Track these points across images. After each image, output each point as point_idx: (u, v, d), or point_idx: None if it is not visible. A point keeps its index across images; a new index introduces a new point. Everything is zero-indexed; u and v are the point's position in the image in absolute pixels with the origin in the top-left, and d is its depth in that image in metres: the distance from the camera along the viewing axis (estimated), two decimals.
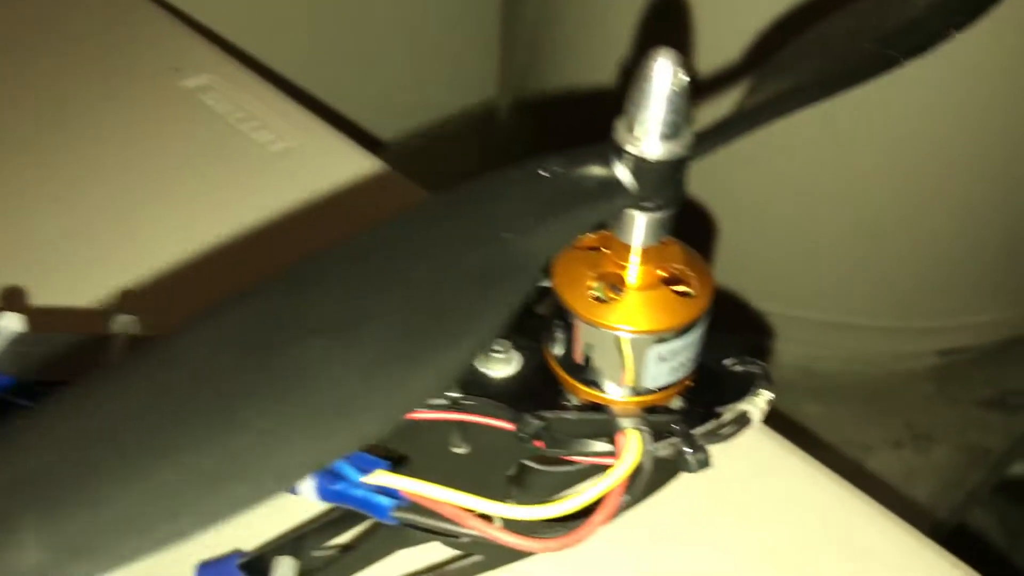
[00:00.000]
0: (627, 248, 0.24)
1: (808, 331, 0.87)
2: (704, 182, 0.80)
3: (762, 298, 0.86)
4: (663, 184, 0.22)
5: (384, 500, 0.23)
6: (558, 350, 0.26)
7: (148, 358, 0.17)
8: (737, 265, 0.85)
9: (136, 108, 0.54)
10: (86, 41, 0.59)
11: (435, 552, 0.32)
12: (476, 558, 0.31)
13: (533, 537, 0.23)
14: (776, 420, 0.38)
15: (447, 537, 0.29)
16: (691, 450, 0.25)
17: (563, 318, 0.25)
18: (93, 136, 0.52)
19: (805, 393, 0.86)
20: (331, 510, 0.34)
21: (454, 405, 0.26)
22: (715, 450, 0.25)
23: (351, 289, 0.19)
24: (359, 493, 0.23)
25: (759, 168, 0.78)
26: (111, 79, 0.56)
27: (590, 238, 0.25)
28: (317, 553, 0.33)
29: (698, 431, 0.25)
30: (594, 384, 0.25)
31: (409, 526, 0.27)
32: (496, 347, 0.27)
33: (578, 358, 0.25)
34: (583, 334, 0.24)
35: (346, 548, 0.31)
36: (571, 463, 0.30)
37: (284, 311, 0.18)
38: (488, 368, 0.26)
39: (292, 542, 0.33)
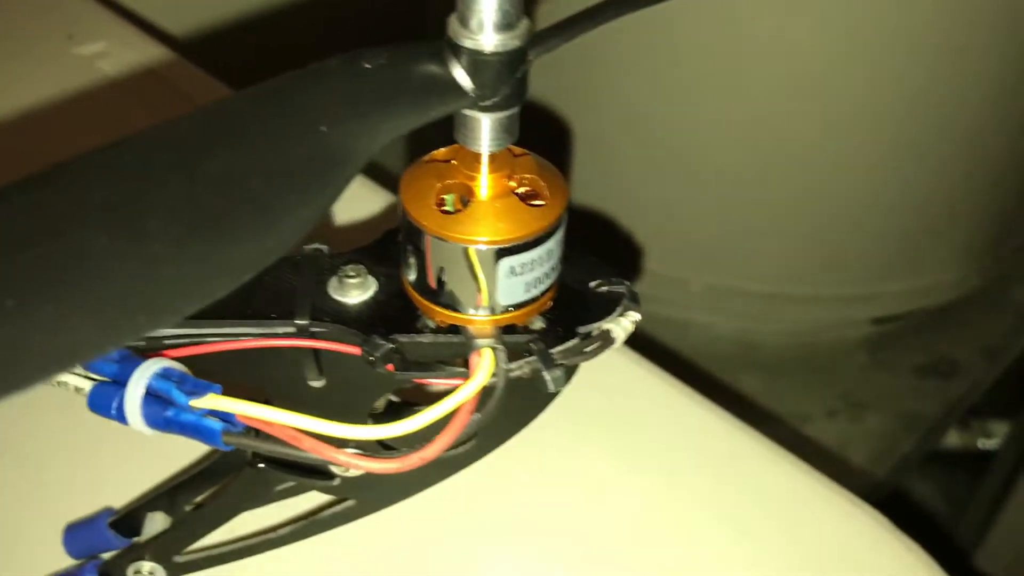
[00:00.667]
0: (475, 157, 0.23)
1: (743, 303, 0.86)
2: (638, 148, 0.81)
3: (697, 269, 0.85)
4: (501, 80, 0.21)
5: (216, 424, 0.22)
6: (411, 274, 0.24)
7: None
8: (670, 234, 0.84)
9: (30, 78, 0.52)
10: None
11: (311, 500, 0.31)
12: (348, 503, 0.30)
13: (373, 457, 0.22)
14: (714, 392, 0.38)
15: (309, 479, 0.28)
16: (549, 368, 0.24)
17: (414, 238, 0.24)
18: None
19: (742, 365, 0.86)
20: (201, 461, 0.32)
21: (300, 332, 0.24)
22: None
23: (140, 180, 0.17)
24: (189, 418, 0.22)
25: (691, 136, 0.77)
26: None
27: (441, 152, 0.24)
28: (190, 507, 0.31)
29: (557, 350, 0.24)
30: (450, 306, 0.24)
31: (255, 459, 0.26)
32: (350, 272, 0.25)
33: (431, 279, 0.24)
34: (433, 251, 0.23)
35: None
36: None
37: (67, 199, 0.17)
38: (342, 295, 0.25)
39: (164, 496, 0.31)
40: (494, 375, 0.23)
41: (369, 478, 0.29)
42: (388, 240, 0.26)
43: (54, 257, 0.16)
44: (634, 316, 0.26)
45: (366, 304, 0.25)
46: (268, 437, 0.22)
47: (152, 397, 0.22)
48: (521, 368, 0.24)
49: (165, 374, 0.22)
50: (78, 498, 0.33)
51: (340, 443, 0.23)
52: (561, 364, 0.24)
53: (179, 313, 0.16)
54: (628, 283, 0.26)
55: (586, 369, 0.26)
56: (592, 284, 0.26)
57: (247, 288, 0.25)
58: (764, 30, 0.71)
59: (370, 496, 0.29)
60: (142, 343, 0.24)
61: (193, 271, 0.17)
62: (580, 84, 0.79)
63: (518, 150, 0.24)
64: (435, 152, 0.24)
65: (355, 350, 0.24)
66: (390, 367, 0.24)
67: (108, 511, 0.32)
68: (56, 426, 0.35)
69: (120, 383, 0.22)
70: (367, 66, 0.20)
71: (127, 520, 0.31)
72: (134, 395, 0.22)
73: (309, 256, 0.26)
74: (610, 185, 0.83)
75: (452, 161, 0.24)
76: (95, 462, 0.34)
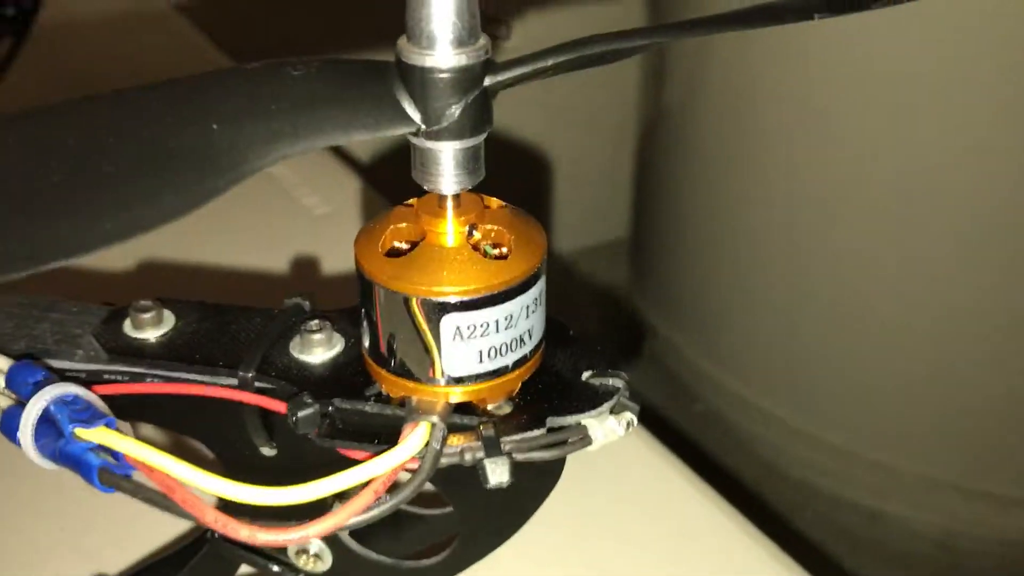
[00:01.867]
0: (433, 199, 0.20)
1: (948, 499, 0.76)
2: (847, 334, 0.76)
3: (899, 457, 0.77)
4: (447, 101, 0.18)
5: (95, 460, 0.19)
6: (365, 339, 0.21)
7: None
8: (875, 414, 0.78)
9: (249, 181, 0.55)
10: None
11: None
12: None
13: (243, 522, 0.19)
14: None
15: (267, 564, 0.25)
16: (491, 457, 0.20)
17: (362, 289, 0.21)
18: None
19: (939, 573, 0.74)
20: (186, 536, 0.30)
21: (241, 384, 0.22)
22: None
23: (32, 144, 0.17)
24: (73, 450, 0.20)
25: (913, 320, 0.73)
26: None
27: (413, 199, 0.22)
28: None
29: (510, 439, 0.20)
30: (399, 373, 0.21)
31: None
32: (313, 328, 0.23)
33: (381, 338, 0.21)
34: (378, 303, 0.20)
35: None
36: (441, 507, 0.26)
37: None
38: (303, 352, 0.23)
39: (145, 571, 0.29)
40: (421, 454, 0.20)
41: None
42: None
43: None
44: (628, 417, 0.21)
45: (326, 365, 0.22)
46: (146, 488, 0.19)
47: (49, 425, 0.20)
48: (459, 453, 0.20)
49: (64, 400, 0.20)
50: (76, 564, 0.31)
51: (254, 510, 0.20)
52: (508, 456, 0.20)
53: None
54: (626, 377, 0.22)
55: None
56: (586, 374, 0.22)
57: (207, 332, 0.23)
58: None
59: None
60: (82, 375, 0.23)
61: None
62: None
63: (495, 201, 0.21)
64: (409, 200, 0.22)
65: (280, 407, 0.21)
66: (316, 432, 0.21)
67: None
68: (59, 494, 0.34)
69: (23, 404, 0.20)
70: (294, 73, 0.18)
71: None
72: (28, 419, 0.20)
73: (286, 310, 0.24)
74: (818, 366, 0.80)
75: (412, 206, 0.21)
76: (95, 530, 0.33)
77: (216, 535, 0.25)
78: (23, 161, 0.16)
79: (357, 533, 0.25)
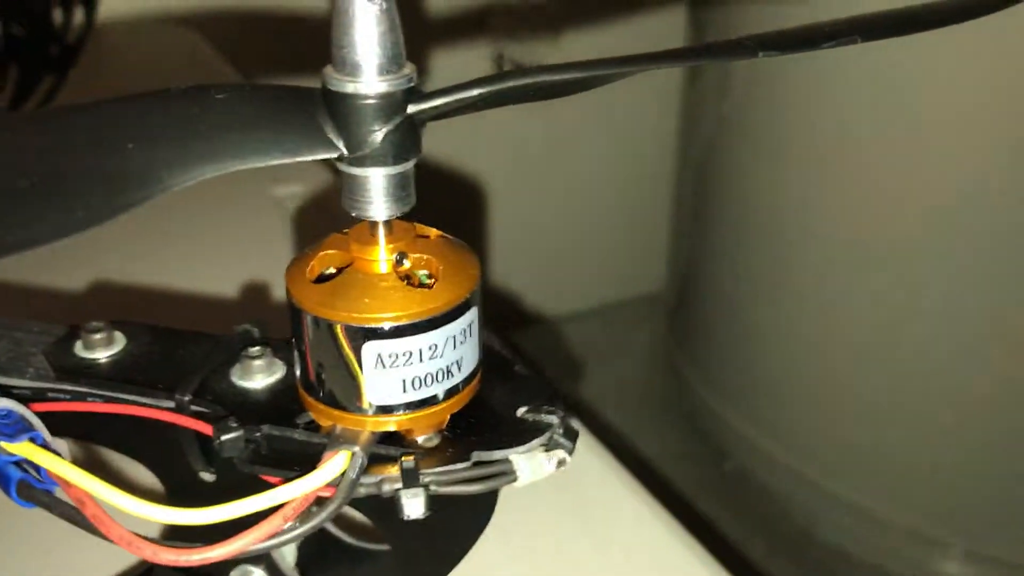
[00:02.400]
0: (363, 227, 0.20)
1: (991, 571, 0.74)
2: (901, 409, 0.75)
3: (938, 527, 0.75)
4: (369, 127, 0.18)
5: (15, 472, 0.20)
6: (297, 367, 0.21)
7: None
8: (911, 483, 0.76)
9: (229, 208, 0.55)
10: None
11: None
12: None
13: (147, 542, 0.19)
14: None
15: None
16: (408, 488, 0.19)
17: (291, 314, 0.21)
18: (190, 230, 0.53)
19: None
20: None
21: (176, 407, 0.22)
22: None
23: None
24: None
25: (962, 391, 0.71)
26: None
27: (342, 234, 0.22)
28: None
29: (431, 471, 0.20)
30: (325, 401, 0.21)
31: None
32: (253, 354, 0.23)
33: (309, 365, 0.21)
34: (306, 332, 0.20)
35: None
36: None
37: None
38: (242, 378, 0.23)
39: None
40: (336, 481, 0.19)
41: None
42: None
43: None
44: (560, 455, 0.21)
45: (263, 392, 0.22)
46: (66, 506, 0.19)
47: None
48: (377, 484, 0.20)
49: None
50: None
51: (180, 530, 0.20)
52: (425, 488, 0.19)
53: None
54: (564, 414, 0.21)
55: None
56: (522, 410, 0.22)
57: (154, 355, 0.23)
58: None
59: None
60: (27, 392, 0.23)
61: None
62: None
63: (433, 232, 0.21)
64: (346, 229, 0.22)
65: (207, 429, 0.21)
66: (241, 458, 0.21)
67: None
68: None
69: None
70: (217, 96, 0.19)
71: None
72: None
73: (234, 336, 0.24)
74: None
75: (343, 235, 0.21)
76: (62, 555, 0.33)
77: (155, 569, 0.25)
78: None
79: (304, 562, 0.24)
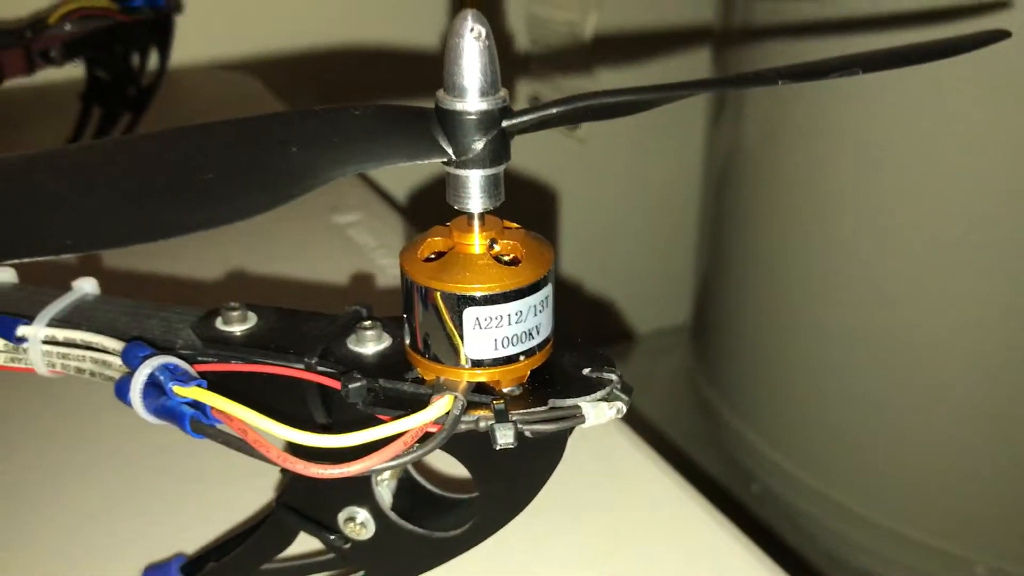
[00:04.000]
0: (462, 218, 0.26)
1: None
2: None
3: (971, 548, 0.77)
4: (472, 137, 0.24)
5: (188, 410, 0.25)
6: (406, 332, 0.26)
7: None
8: (943, 506, 0.79)
9: (293, 237, 0.62)
10: None
11: None
12: (358, 574, 0.31)
13: (296, 459, 0.24)
14: None
15: (326, 535, 0.30)
16: (501, 423, 0.24)
17: (404, 289, 0.26)
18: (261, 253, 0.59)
19: None
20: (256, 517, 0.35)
21: (305, 367, 0.27)
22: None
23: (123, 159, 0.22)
24: (171, 404, 0.25)
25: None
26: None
27: (445, 225, 0.27)
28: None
29: (517, 412, 0.25)
30: (429, 358, 0.26)
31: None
32: (366, 326, 0.28)
33: (418, 328, 0.26)
34: (418, 301, 0.25)
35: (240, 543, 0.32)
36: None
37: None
38: (357, 346, 0.28)
39: (220, 547, 0.34)
40: (442, 419, 0.24)
41: (374, 549, 0.30)
42: None
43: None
44: (619, 407, 0.26)
45: (375, 356, 0.27)
46: (229, 434, 0.24)
47: (153, 387, 0.26)
48: (475, 421, 0.25)
49: (167, 367, 0.26)
50: (160, 543, 0.37)
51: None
52: (514, 424, 0.24)
53: (106, 245, 0.20)
54: (619, 373, 0.26)
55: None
56: (585, 370, 0.26)
57: (282, 329, 0.28)
58: None
59: (378, 569, 0.30)
60: (188, 352, 0.28)
61: (128, 224, 0.21)
62: None
63: (514, 225, 0.26)
64: (447, 223, 0.27)
65: (334, 383, 0.26)
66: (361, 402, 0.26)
67: (181, 556, 0.35)
68: (150, 480, 0.40)
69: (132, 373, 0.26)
70: (355, 113, 0.24)
71: (193, 565, 0.34)
72: (138, 380, 0.25)
73: (347, 314, 0.29)
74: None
75: (448, 225, 0.26)
76: (178, 513, 0.38)
77: (278, 507, 0.30)
78: (169, 166, 0.22)
79: (399, 508, 0.29)
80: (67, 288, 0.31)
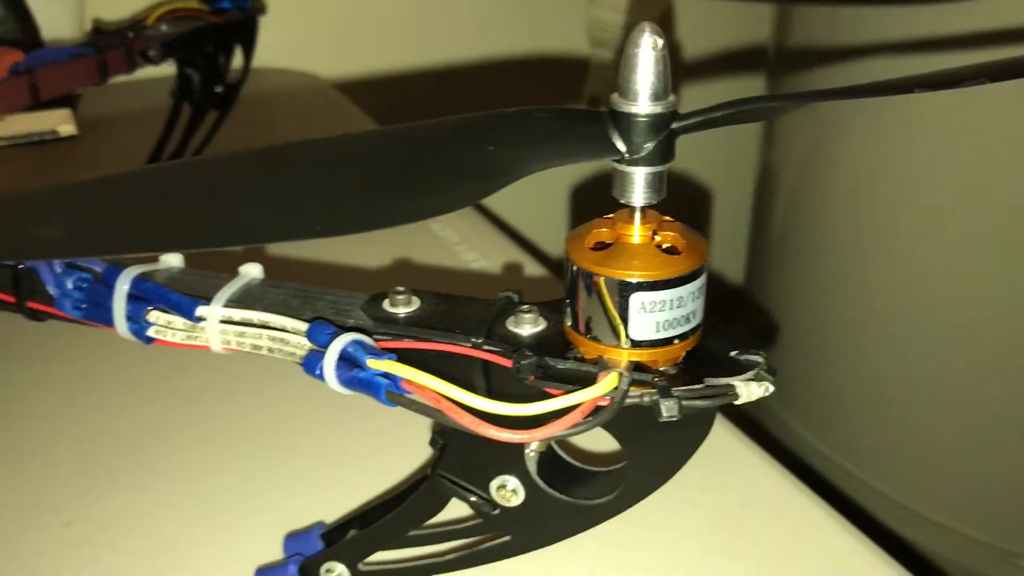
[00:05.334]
0: (626, 211, 0.28)
1: None
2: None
3: None
4: (644, 138, 0.26)
5: (383, 381, 0.27)
6: (567, 315, 0.29)
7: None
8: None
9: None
10: None
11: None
12: (504, 539, 0.33)
13: (497, 427, 0.26)
14: None
15: (477, 502, 0.32)
16: (664, 398, 0.27)
17: (568, 275, 0.28)
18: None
19: None
20: (399, 487, 0.37)
21: (473, 346, 0.30)
22: None
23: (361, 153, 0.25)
24: (365, 376, 0.27)
25: None
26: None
27: (606, 216, 0.29)
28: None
29: (678, 388, 0.27)
30: (592, 338, 0.28)
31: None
32: (524, 310, 0.30)
33: (580, 311, 0.28)
34: (582, 286, 0.28)
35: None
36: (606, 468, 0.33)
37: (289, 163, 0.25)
38: (516, 327, 0.30)
39: (362, 516, 0.37)
40: (610, 395, 0.27)
41: (522, 515, 0.32)
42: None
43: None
44: (767, 386, 0.28)
45: (533, 337, 0.30)
46: (420, 402, 0.27)
47: (345, 362, 0.28)
48: (640, 397, 0.27)
49: (358, 342, 0.28)
50: (301, 513, 0.39)
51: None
52: (676, 399, 0.27)
53: (351, 229, 0.23)
54: (766, 355, 0.29)
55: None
56: (733, 352, 0.29)
57: (444, 311, 0.31)
58: None
59: (523, 534, 0.33)
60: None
61: (367, 210, 0.23)
62: None
63: (668, 218, 0.29)
64: (607, 215, 0.29)
65: (508, 363, 0.29)
66: (532, 378, 0.28)
67: (321, 525, 0.38)
68: (292, 453, 0.42)
69: (322, 350, 0.29)
70: (539, 116, 0.26)
71: (334, 533, 0.37)
72: (332, 355, 0.28)
73: (501, 299, 0.31)
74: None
75: (611, 217, 0.29)
76: (318, 483, 0.41)
77: (433, 473, 0.33)
78: (388, 161, 0.25)
79: (545, 476, 0.32)
80: (233, 273, 0.34)
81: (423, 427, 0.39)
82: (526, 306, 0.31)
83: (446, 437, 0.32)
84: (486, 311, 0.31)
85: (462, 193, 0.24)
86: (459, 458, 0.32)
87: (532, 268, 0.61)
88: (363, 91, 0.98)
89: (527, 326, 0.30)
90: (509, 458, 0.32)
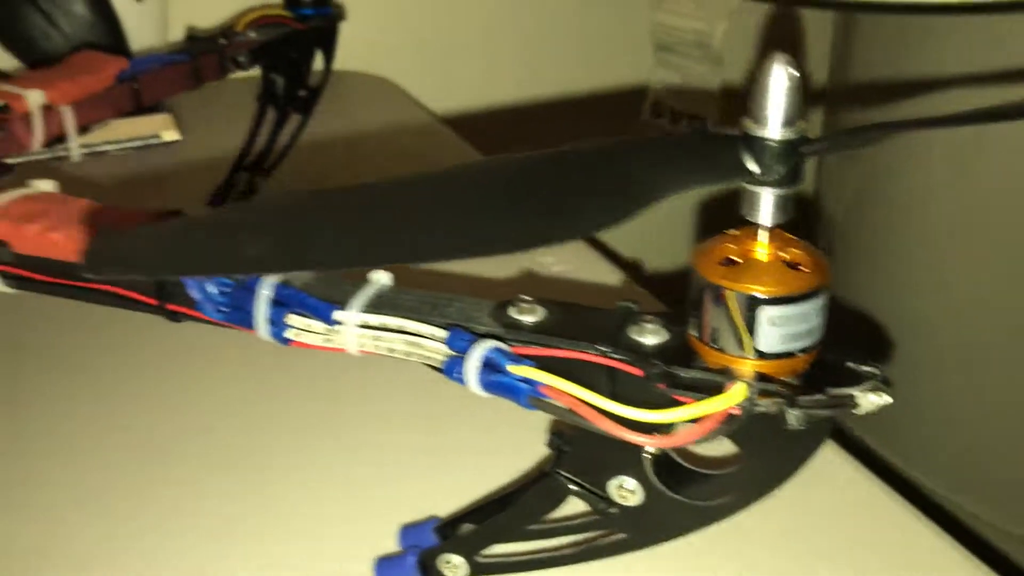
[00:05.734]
0: (754, 229, 0.30)
1: None
2: None
3: None
4: (776, 162, 0.28)
5: (524, 387, 0.29)
6: (694, 325, 0.31)
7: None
8: None
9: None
10: None
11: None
12: (621, 536, 0.35)
13: (634, 431, 0.28)
14: None
15: (595, 500, 0.34)
16: (791, 407, 0.28)
17: (696, 289, 0.30)
18: None
19: None
20: (512, 485, 0.39)
21: (602, 354, 0.31)
22: None
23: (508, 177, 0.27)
24: (507, 381, 0.29)
25: None
26: None
27: (731, 231, 0.31)
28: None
29: (803, 398, 0.29)
30: (718, 349, 0.30)
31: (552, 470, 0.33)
32: (647, 320, 0.32)
33: (707, 324, 0.30)
34: (710, 299, 0.30)
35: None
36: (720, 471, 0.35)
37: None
38: (639, 337, 0.32)
39: (478, 511, 0.39)
40: (741, 404, 0.28)
41: (639, 514, 0.34)
42: (681, 310, 0.33)
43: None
44: (885, 397, 0.30)
45: (657, 346, 0.32)
46: (558, 406, 0.29)
47: (486, 368, 0.30)
48: (767, 405, 0.29)
49: (498, 349, 0.30)
50: (412, 506, 0.41)
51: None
52: (802, 408, 0.28)
53: (502, 250, 0.25)
54: (883, 368, 0.30)
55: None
56: (850, 364, 0.30)
57: (568, 320, 0.33)
58: None
59: (638, 532, 0.35)
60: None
61: (515, 231, 0.25)
62: None
63: (792, 237, 0.30)
64: (727, 232, 0.31)
65: (638, 372, 0.30)
66: (662, 385, 0.30)
67: (435, 519, 0.40)
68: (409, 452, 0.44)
69: (462, 355, 0.31)
70: (675, 139, 0.28)
71: (448, 527, 0.39)
72: (473, 361, 0.30)
73: (620, 308, 0.33)
74: None
75: (737, 234, 0.30)
76: (432, 478, 0.43)
77: (553, 471, 0.35)
78: (536, 184, 0.27)
79: (663, 478, 0.34)
80: (363, 280, 0.36)
81: (524, 426, 0.40)
82: (649, 316, 0.32)
83: (566, 438, 0.34)
84: (607, 320, 0.33)
85: (606, 216, 0.26)
86: (579, 458, 0.34)
87: (602, 269, 0.63)
88: (435, 93, 1.00)
89: (650, 336, 0.32)
90: (627, 459, 0.33)
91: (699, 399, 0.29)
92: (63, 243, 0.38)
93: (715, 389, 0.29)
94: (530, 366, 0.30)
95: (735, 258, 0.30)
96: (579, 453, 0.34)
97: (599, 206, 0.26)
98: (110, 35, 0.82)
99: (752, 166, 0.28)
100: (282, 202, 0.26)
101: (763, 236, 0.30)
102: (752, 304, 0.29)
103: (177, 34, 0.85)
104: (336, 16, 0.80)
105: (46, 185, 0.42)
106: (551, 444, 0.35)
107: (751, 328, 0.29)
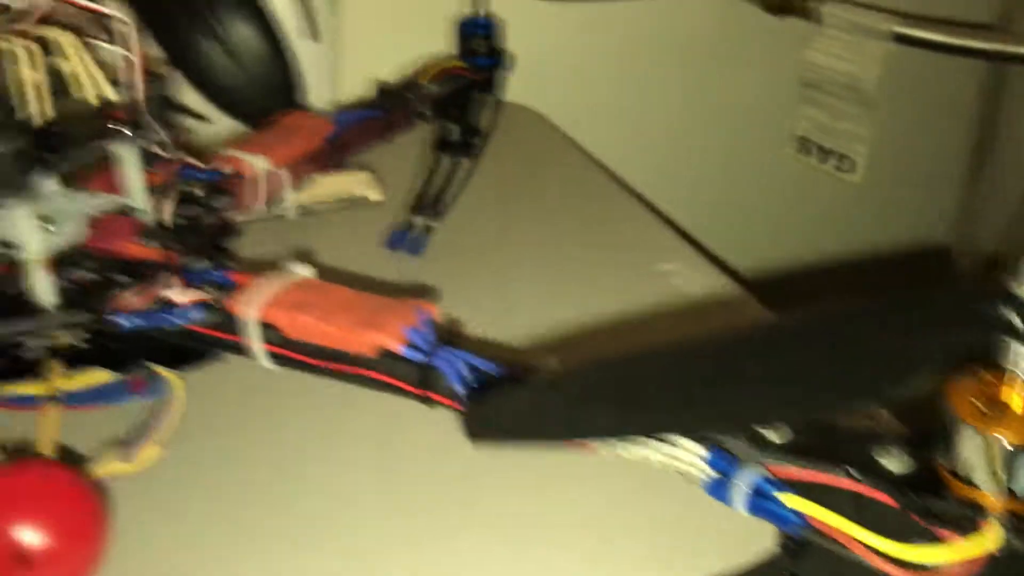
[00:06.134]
0: (1012, 377, 0.32)
1: None
2: None
3: None
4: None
5: (794, 517, 0.32)
6: (941, 459, 0.33)
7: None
8: None
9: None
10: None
11: None
12: None
13: (908, 571, 0.31)
14: None
15: None
16: None
17: (953, 428, 0.33)
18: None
19: None
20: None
21: (851, 477, 0.34)
22: None
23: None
24: (776, 510, 0.32)
25: None
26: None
27: (983, 373, 0.33)
28: None
29: None
30: (970, 484, 0.32)
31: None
32: (894, 447, 0.35)
33: (959, 462, 0.32)
34: (965, 439, 0.32)
35: None
36: None
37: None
38: (886, 461, 0.35)
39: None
40: (996, 542, 0.31)
41: None
42: (926, 432, 0.35)
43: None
44: None
45: (905, 474, 0.34)
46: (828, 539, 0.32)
47: (757, 493, 0.33)
48: (1017, 542, 0.31)
49: (765, 479, 0.33)
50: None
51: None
52: None
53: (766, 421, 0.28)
54: None
55: None
56: None
57: (819, 440, 0.35)
58: None
59: None
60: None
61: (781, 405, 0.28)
62: None
63: None
64: (979, 373, 0.33)
65: (891, 502, 0.33)
66: (915, 517, 0.32)
67: None
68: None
69: (726, 477, 0.34)
70: (942, 301, 0.31)
71: None
72: (742, 487, 0.33)
73: (863, 429, 0.36)
74: None
75: (989, 378, 0.33)
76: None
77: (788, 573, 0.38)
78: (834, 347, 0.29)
79: None
80: None
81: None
82: (896, 445, 0.35)
83: (806, 548, 0.37)
84: (852, 438, 0.35)
85: (899, 386, 0.29)
86: (816, 568, 0.37)
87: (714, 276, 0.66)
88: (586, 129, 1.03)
89: (897, 463, 0.34)
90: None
91: (959, 534, 0.32)
92: (335, 334, 0.42)
93: (967, 525, 0.32)
94: (799, 496, 0.32)
95: (990, 400, 0.32)
96: (818, 563, 0.37)
97: (897, 374, 0.29)
98: (288, 74, 0.87)
99: (1018, 323, 0.30)
100: (618, 373, 0.30)
101: (1021, 389, 0.32)
102: (1015, 452, 0.31)
103: (344, 76, 0.88)
104: (505, 66, 0.84)
105: (305, 271, 0.46)
106: (784, 547, 0.38)
107: (1009, 471, 0.31)
